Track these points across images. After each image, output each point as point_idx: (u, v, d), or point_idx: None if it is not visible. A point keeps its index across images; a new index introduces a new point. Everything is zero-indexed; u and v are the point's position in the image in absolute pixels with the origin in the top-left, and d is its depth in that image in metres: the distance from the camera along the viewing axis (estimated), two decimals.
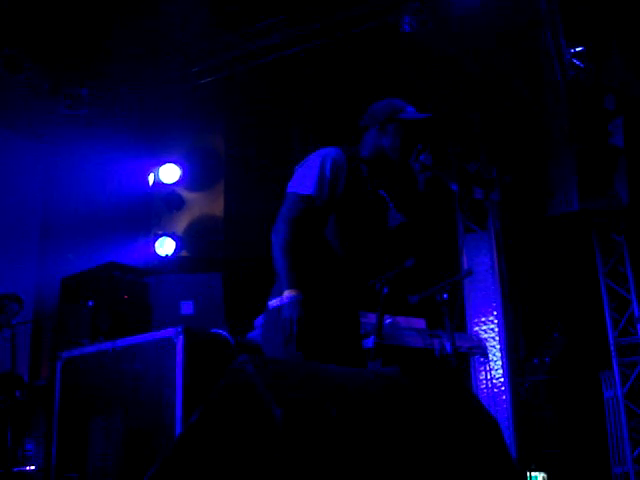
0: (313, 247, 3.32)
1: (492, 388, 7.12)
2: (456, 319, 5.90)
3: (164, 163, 8.76)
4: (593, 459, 6.89)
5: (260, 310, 5.02)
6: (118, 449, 4.68)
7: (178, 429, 4.23)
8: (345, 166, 3.37)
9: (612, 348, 7.19)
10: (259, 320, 5.07)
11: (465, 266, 7.61)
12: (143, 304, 5.39)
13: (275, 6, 7.54)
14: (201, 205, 8.76)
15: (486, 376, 7.10)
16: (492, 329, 7.41)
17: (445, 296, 5.00)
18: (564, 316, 7.66)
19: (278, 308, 3.20)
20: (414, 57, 7.32)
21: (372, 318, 5.10)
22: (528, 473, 6.51)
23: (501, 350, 7.32)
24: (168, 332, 4.53)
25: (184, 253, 8.57)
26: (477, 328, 7.47)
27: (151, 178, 8.86)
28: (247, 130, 8.65)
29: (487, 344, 7.24)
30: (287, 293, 3.17)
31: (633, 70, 6.83)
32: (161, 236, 8.55)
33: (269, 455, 2.13)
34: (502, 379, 7.21)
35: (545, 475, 6.62)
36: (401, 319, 5.70)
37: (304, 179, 3.33)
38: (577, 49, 6.94)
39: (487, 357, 7.10)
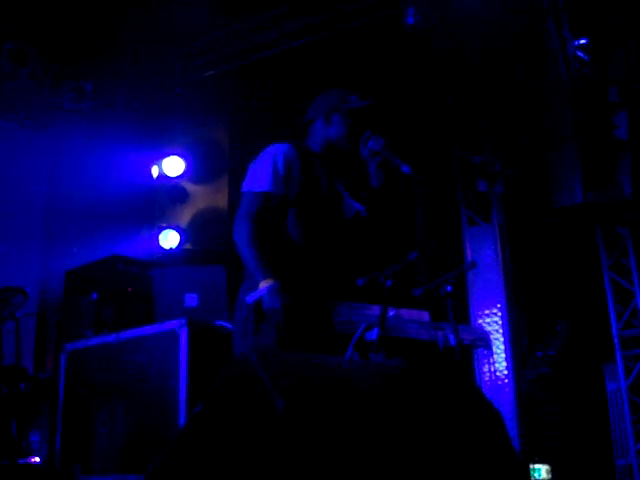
0: (277, 242, 3.33)
1: (495, 380, 7.12)
2: (460, 311, 5.90)
3: (168, 156, 8.76)
4: (596, 451, 6.90)
5: None
6: (122, 440, 4.70)
7: (182, 420, 4.24)
8: (297, 160, 3.40)
9: (616, 341, 7.19)
10: None
11: (469, 259, 7.61)
12: (147, 296, 5.41)
13: None
14: (205, 198, 8.76)
15: (489, 368, 7.10)
16: (496, 322, 7.40)
17: (449, 288, 4.99)
18: (568, 309, 7.66)
19: (258, 300, 3.15)
20: (417, 50, 7.31)
21: (375, 310, 5.11)
22: (531, 465, 6.52)
23: (505, 343, 7.32)
24: (172, 324, 4.55)
25: (188, 246, 8.57)
26: (481, 321, 7.47)
27: (155, 171, 8.85)
28: (251, 123, 8.64)
29: (491, 337, 7.24)
30: (264, 284, 3.14)
31: (638, 62, 6.81)
32: (165, 229, 8.54)
33: (272, 446, 2.14)
34: (506, 371, 7.21)
35: (548, 467, 6.62)
36: (404, 311, 5.70)
37: (258, 177, 3.36)
38: (581, 41, 6.92)
39: (491, 349, 7.09)
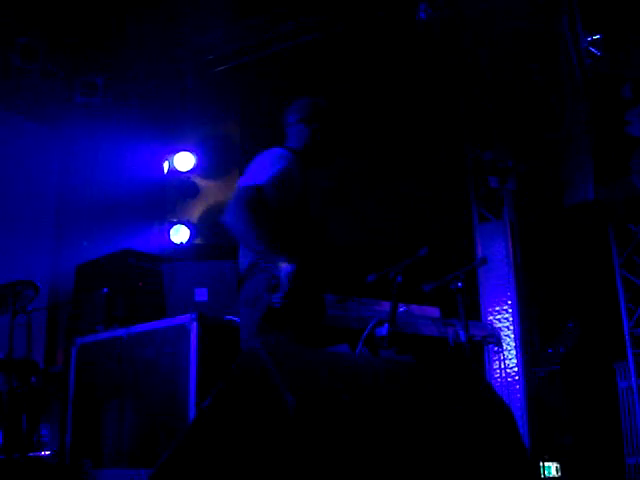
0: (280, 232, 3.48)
1: (506, 377, 7.11)
2: (470, 308, 5.88)
3: (179, 151, 8.78)
4: (607, 449, 6.87)
5: None
6: (132, 434, 4.71)
7: (191, 415, 4.24)
8: (292, 162, 3.62)
9: (627, 339, 7.16)
10: None
11: (479, 255, 7.59)
12: (157, 291, 5.40)
13: None
14: (216, 193, 8.77)
15: (500, 365, 7.09)
16: (506, 318, 7.39)
17: (459, 285, 4.99)
18: (579, 306, 7.63)
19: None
20: (429, 45, 7.29)
21: (386, 306, 5.10)
22: (541, 463, 6.50)
23: (515, 340, 7.30)
24: (182, 319, 4.55)
25: (198, 241, 8.59)
26: (491, 317, 7.45)
27: (166, 166, 8.87)
28: (262, 118, 8.64)
29: (501, 333, 7.22)
30: (285, 263, 3.28)
31: None
32: (176, 224, 8.57)
33: (280, 440, 2.13)
34: (516, 369, 7.19)
35: (558, 465, 6.61)
36: (415, 307, 5.68)
37: (257, 172, 3.58)
38: (594, 37, 6.89)
39: (501, 346, 7.08)
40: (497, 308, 7.46)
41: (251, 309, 3.46)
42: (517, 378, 7.17)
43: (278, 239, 3.40)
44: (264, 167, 3.59)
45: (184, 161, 8.76)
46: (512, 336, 7.33)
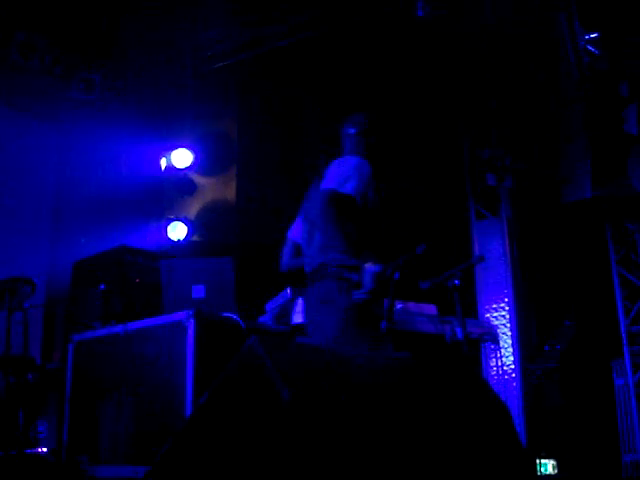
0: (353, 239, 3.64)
1: (503, 375, 7.12)
2: (467, 305, 5.89)
3: (176, 148, 8.76)
4: (603, 447, 6.88)
5: (271, 295, 5.03)
6: (129, 431, 4.71)
7: (188, 411, 4.24)
8: (370, 171, 3.78)
9: (623, 336, 7.18)
10: (270, 304, 5.09)
11: (477, 252, 7.60)
12: (154, 288, 5.39)
13: None
14: (213, 190, 8.76)
15: (497, 363, 7.09)
16: (503, 316, 7.40)
17: (457, 282, 4.98)
18: (576, 304, 7.64)
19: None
20: (428, 43, 7.28)
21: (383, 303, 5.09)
22: (538, 460, 6.51)
23: (512, 337, 7.32)
24: (179, 316, 4.54)
25: (196, 237, 8.58)
26: (488, 315, 7.46)
27: (163, 163, 8.86)
28: (260, 115, 8.64)
29: (498, 331, 7.23)
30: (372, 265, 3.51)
31: None
32: (173, 221, 8.56)
33: (277, 436, 2.14)
34: (513, 366, 7.20)
35: (555, 462, 6.62)
36: (412, 305, 5.68)
37: (342, 179, 3.66)
38: (592, 35, 6.89)
39: (498, 344, 7.07)
40: (494, 305, 7.47)
41: (329, 307, 3.55)
42: (514, 375, 7.19)
43: (364, 241, 3.59)
44: (349, 174, 3.67)
45: (182, 158, 8.74)
46: (509, 333, 7.34)
